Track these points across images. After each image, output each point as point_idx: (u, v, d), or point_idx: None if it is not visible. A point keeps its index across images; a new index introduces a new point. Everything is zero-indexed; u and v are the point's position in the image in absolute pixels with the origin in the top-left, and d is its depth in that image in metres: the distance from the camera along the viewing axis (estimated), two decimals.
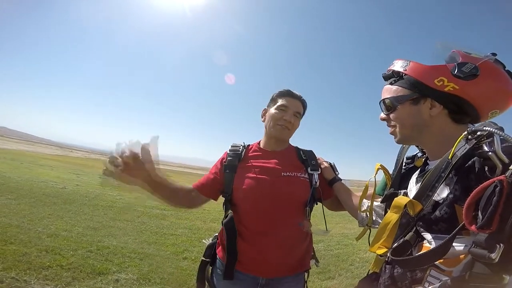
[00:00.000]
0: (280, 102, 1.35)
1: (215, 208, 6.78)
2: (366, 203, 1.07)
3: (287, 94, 1.37)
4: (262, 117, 1.44)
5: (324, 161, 1.42)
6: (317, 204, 1.39)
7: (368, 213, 1.03)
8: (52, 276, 2.62)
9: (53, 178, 9.13)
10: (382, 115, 0.90)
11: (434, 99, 0.78)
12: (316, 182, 1.32)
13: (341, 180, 1.33)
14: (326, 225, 1.37)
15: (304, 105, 1.40)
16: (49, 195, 6.22)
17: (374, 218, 1.02)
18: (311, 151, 1.44)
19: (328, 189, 1.36)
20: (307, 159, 1.38)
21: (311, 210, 1.33)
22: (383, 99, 0.87)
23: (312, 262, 1.42)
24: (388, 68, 0.87)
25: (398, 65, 0.84)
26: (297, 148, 1.45)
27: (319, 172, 1.36)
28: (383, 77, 0.90)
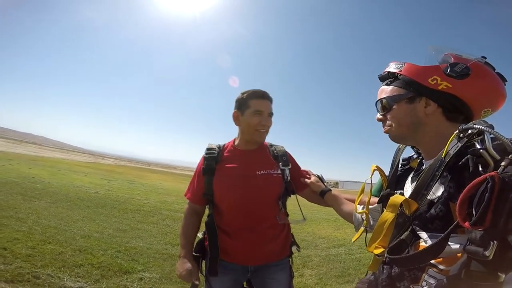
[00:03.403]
0: (253, 106, 1.35)
1: None
2: (361, 207, 1.06)
3: (258, 96, 1.38)
4: (235, 121, 1.43)
5: (312, 174, 1.45)
6: (290, 196, 1.46)
7: (364, 215, 1.02)
8: (83, 273, 2.82)
9: (86, 184, 9.71)
10: (379, 115, 0.91)
11: (429, 97, 0.79)
12: (287, 177, 1.39)
13: (330, 190, 1.35)
14: (302, 213, 1.49)
15: (272, 102, 1.41)
16: (83, 199, 6.64)
17: (371, 223, 1.01)
18: (282, 147, 1.50)
19: (301, 182, 1.43)
20: (279, 155, 1.43)
21: (284, 203, 1.40)
22: (380, 99, 0.88)
23: (294, 249, 1.50)
24: (384, 70, 0.89)
25: (393, 66, 0.86)
26: (269, 145, 1.49)
27: (290, 167, 1.42)
28: (379, 78, 0.92)
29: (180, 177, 31.38)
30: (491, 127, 0.65)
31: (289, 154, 1.49)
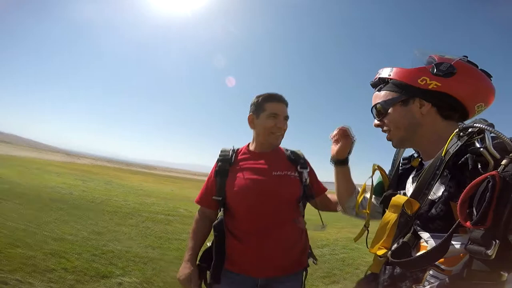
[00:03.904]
0: (269, 109, 1.35)
1: None
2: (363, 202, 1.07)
3: (274, 99, 1.37)
4: (250, 124, 1.43)
5: (347, 127, 1.15)
6: (309, 200, 1.39)
7: (364, 203, 1.03)
8: (56, 278, 2.66)
9: (59, 184, 9.22)
10: (376, 121, 0.92)
11: (422, 97, 0.81)
12: (306, 179, 1.35)
13: (348, 162, 1.18)
14: (322, 220, 1.38)
15: (287, 106, 1.41)
16: (56, 201, 6.29)
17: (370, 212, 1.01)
18: (298, 151, 1.47)
19: (318, 186, 1.41)
20: (296, 158, 1.40)
21: (304, 207, 1.35)
22: (374, 105, 0.90)
23: (310, 260, 1.41)
24: (375, 77, 0.91)
25: (383, 72, 0.88)
26: (285, 149, 1.47)
27: (308, 170, 1.38)
28: (371, 85, 0.94)
29: (162, 178, 30.64)
30: (492, 125, 0.66)
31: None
